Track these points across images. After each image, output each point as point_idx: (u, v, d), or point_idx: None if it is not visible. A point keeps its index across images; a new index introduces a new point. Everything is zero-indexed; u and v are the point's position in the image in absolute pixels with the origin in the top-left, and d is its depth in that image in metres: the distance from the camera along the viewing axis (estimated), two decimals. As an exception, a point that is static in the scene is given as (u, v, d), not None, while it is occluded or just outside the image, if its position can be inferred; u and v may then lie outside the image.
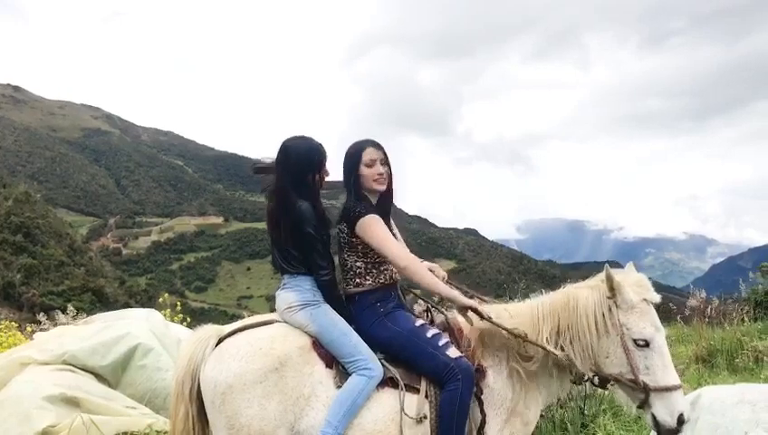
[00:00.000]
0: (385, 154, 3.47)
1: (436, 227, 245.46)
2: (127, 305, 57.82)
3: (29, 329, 8.31)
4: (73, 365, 5.30)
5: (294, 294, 3.46)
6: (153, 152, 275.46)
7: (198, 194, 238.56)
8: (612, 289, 3.21)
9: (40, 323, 8.16)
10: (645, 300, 3.22)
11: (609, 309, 3.18)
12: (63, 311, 8.38)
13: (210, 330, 3.38)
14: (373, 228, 3.34)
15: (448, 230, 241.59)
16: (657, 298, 3.26)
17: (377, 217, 3.37)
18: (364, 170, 3.42)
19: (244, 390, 3.02)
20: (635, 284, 3.27)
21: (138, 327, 5.78)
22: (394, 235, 3.53)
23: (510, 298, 7.21)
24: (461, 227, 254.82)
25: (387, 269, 3.51)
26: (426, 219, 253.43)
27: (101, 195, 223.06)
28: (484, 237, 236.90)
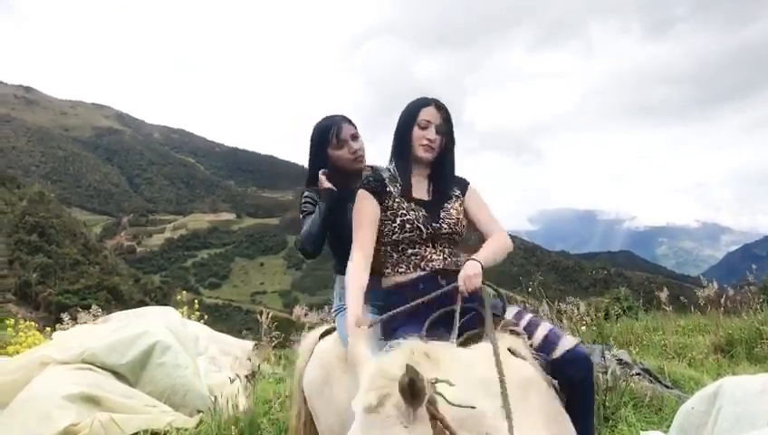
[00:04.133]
0: (446, 121, 2.87)
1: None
2: (142, 303, 58.19)
3: (48, 329, 8.38)
4: (93, 364, 5.33)
5: (334, 298, 3.20)
6: (165, 150, 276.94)
7: (210, 191, 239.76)
8: None
9: (62, 321, 8.24)
10: None
11: None
12: (86, 309, 8.45)
13: (316, 334, 3.42)
14: (355, 206, 2.83)
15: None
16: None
17: (364, 192, 2.82)
18: (416, 132, 2.85)
19: (312, 395, 3.15)
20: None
21: (156, 325, 5.80)
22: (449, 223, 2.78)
23: (528, 291, 7.20)
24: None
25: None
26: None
27: (114, 193, 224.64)
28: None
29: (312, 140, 3.17)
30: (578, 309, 6.81)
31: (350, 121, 3.12)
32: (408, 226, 2.74)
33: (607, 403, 4.48)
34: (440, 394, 1.82)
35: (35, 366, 5.30)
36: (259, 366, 5.34)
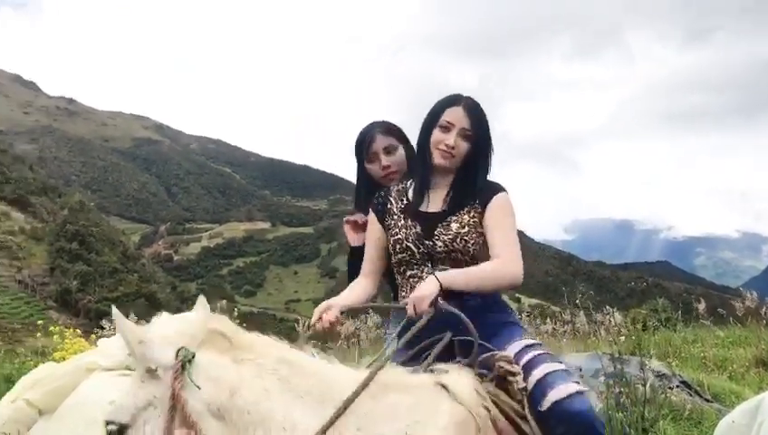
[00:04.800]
0: (476, 124, 2.46)
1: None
2: (178, 311, 58.36)
3: (93, 336, 8.58)
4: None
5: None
6: (202, 160, 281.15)
7: (246, 200, 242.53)
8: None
9: (102, 328, 8.43)
10: None
11: None
12: (126, 317, 8.63)
13: None
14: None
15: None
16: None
17: (370, 213, 2.62)
18: (435, 134, 2.47)
19: None
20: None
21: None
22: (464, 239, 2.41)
23: (566, 302, 7.18)
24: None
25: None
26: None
27: (152, 202, 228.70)
28: (530, 238, 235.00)
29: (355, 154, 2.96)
30: (614, 319, 6.77)
31: (387, 130, 2.87)
32: (398, 246, 2.48)
33: (645, 415, 4.46)
34: (188, 371, 1.68)
35: (82, 372, 5.42)
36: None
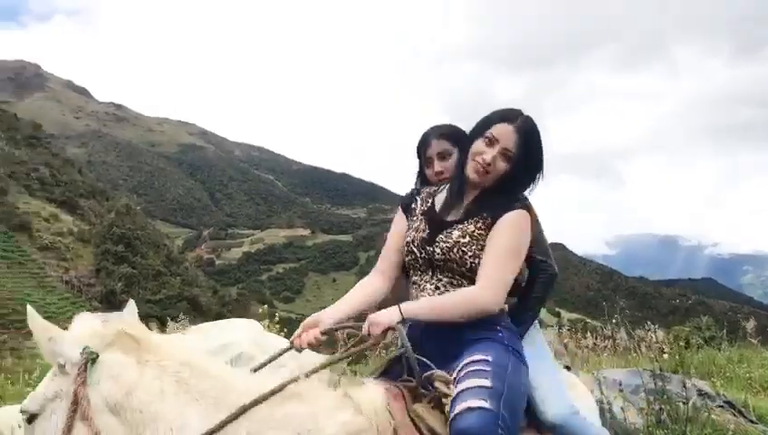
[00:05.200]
0: (523, 147, 2.32)
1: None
2: (219, 314, 59.62)
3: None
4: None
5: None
6: (245, 167, 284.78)
7: (287, 207, 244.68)
8: None
9: (150, 330, 8.63)
10: None
11: None
12: (174, 319, 8.85)
13: None
14: None
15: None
16: None
17: (399, 207, 2.59)
18: (477, 145, 2.37)
19: None
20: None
21: (240, 336, 6.04)
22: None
23: (607, 317, 7.12)
24: (548, 241, 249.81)
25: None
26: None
27: (196, 208, 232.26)
28: (571, 252, 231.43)
29: None
30: (656, 336, 6.69)
31: (443, 135, 2.80)
32: (406, 248, 2.43)
33: (687, 434, 4.42)
34: (89, 369, 1.87)
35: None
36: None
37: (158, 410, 1.86)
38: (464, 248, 2.29)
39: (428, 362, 2.13)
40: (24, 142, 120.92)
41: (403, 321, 2.17)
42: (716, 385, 5.77)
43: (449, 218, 2.38)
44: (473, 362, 2.10)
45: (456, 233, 2.32)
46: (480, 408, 1.93)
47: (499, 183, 2.35)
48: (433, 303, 2.25)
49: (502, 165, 2.32)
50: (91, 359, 1.87)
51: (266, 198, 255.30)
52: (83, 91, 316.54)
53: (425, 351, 2.17)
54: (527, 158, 2.34)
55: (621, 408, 4.36)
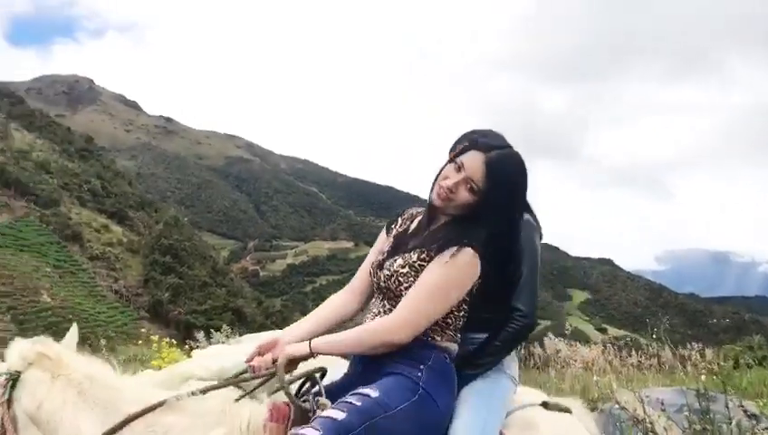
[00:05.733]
0: (491, 180, 2.19)
1: (568, 255, 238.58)
2: (263, 326, 60.17)
3: (188, 347, 9.00)
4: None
5: None
6: (290, 179, 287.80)
7: (331, 219, 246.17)
8: None
9: (195, 340, 8.83)
10: None
11: None
12: (218, 330, 9.04)
13: None
14: None
15: (581, 259, 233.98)
16: None
17: (381, 233, 2.53)
18: (447, 167, 2.28)
19: None
20: None
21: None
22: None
23: (652, 333, 7.02)
24: (595, 256, 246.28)
25: None
26: (557, 248, 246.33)
27: (242, 219, 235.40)
28: (619, 268, 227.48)
29: None
30: (702, 355, 6.57)
31: (472, 143, 2.39)
32: (370, 269, 2.38)
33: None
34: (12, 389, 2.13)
35: (178, 381, 5.75)
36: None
37: (61, 419, 2.08)
38: (400, 278, 2.20)
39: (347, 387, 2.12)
40: (76, 155, 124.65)
41: (312, 355, 2.13)
42: (764, 406, 5.63)
43: (411, 244, 2.28)
44: (355, 393, 2.03)
45: (399, 261, 2.22)
46: None
47: (463, 214, 2.24)
48: (342, 337, 2.15)
49: (465, 194, 2.21)
50: (12, 379, 2.15)
51: (310, 210, 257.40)
52: (134, 105, 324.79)
53: (360, 376, 2.18)
54: (492, 194, 2.19)
55: (664, 427, 4.31)
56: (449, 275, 2.12)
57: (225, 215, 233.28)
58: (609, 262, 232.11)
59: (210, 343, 8.09)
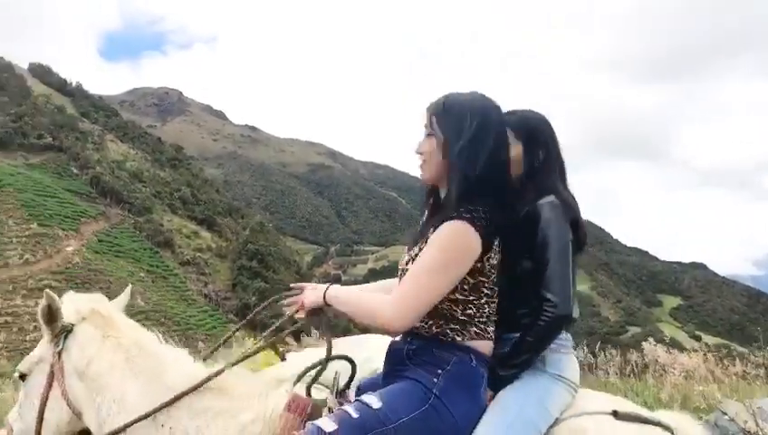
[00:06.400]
0: (441, 121, 2.03)
1: (657, 260, 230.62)
2: (347, 329, 60.57)
3: (281, 350, 9.17)
4: (321, 385, 5.80)
5: None
6: (370, 185, 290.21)
7: (411, 224, 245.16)
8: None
9: (286, 344, 8.99)
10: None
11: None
12: (308, 334, 9.17)
13: None
14: None
15: (672, 264, 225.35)
16: None
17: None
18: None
19: None
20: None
21: (376, 352, 6.18)
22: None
23: (763, 342, 6.67)
24: (686, 260, 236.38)
25: None
26: (646, 252, 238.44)
27: (324, 225, 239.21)
28: (713, 272, 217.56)
29: None
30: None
31: (510, 124, 2.26)
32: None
33: None
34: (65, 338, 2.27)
35: (273, 383, 5.88)
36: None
37: (107, 383, 2.20)
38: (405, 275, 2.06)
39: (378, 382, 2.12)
40: (167, 164, 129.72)
41: (327, 305, 2.11)
42: None
43: (413, 238, 2.14)
44: (358, 400, 1.97)
45: (405, 257, 2.10)
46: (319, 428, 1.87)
47: (446, 182, 2.04)
48: (357, 298, 2.07)
49: (432, 151, 2.03)
50: (66, 330, 2.27)
51: (390, 215, 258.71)
52: (220, 115, 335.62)
53: (384, 377, 2.13)
54: (449, 128, 2.00)
55: (779, 440, 4.10)
56: (442, 254, 1.92)
57: (308, 220, 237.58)
58: (702, 266, 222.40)
59: (303, 347, 8.22)
